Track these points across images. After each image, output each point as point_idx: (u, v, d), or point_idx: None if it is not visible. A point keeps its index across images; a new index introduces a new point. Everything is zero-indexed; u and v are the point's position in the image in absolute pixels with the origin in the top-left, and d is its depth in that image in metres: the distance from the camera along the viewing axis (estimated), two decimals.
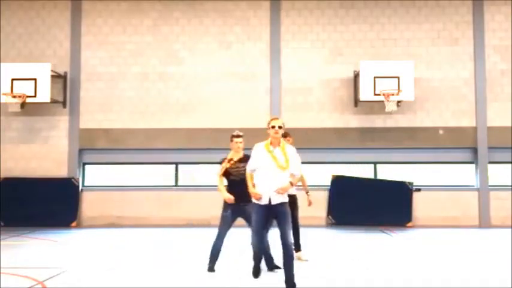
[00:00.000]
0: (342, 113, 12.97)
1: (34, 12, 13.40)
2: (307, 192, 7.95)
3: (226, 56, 13.20)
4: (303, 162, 12.74)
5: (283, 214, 5.78)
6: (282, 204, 5.81)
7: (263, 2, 13.26)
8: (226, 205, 6.82)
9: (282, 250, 5.66)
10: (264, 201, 5.80)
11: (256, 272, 6.45)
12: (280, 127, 5.84)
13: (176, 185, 13.21)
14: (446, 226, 12.40)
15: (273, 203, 5.77)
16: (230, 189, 6.76)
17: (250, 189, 5.95)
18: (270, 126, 5.87)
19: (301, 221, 12.12)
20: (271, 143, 5.89)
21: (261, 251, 6.33)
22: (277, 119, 5.99)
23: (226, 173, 6.85)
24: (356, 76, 12.63)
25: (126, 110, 13.15)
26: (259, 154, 5.88)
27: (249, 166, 6.07)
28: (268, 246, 6.68)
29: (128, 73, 13.23)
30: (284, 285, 5.70)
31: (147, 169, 13.43)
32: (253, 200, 5.93)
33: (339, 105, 12.99)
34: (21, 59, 13.08)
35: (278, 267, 6.59)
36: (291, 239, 5.83)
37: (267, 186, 5.78)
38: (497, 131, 12.75)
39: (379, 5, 13.17)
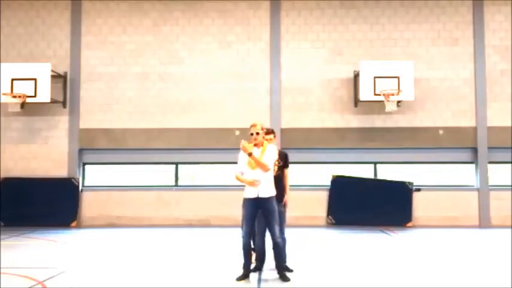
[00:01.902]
0: (342, 113, 12.97)
1: (34, 12, 13.40)
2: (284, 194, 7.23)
3: (226, 56, 13.20)
4: (302, 162, 12.90)
5: (270, 211, 6.33)
6: (269, 198, 6.36)
7: (263, 2, 13.26)
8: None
9: (271, 242, 6.37)
10: (253, 195, 6.33)
11: (243, 275, 6.37)
12: (257, 133, 6.43)
13: (176, 185, 13.21)
14: (446, 226, 12.39)
15: (260, 195, 6.32)
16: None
17: (247, 180, 6.36)
18: (249, 133, 6.47)
19: (301, 221, 12.28)
20: (255, 145, 6.46)
21: (248, 244, 6.41)
22: (255, 125, 6.50)
23: None
24: (356, 76, 12.63)
25: (126, 110, 13.14)
26: (244, 156, 6.40)
27: (237, 168, 6.53)
28: (263, 245, 6.79)
29: (128, 73, 13.22)
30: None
31: (147, 169, 13.42)
32: (244, 195, 6.45)
33: (339, 105, 12.99)
34: (21, 59, 13.07)
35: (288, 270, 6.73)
36: (278, 233, 6.36)
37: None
38: (497, 131, 12.74)
39: (379, 5, 13.17)
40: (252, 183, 6.30)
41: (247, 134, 6.52)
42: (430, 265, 7.42)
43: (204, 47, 13.24)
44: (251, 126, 6.51)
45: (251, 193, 6.35)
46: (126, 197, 12.94)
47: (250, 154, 6.27)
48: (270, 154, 6.41)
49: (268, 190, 6.37)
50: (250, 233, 6.44)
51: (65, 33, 13.34)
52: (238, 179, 6.50)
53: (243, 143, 6.34)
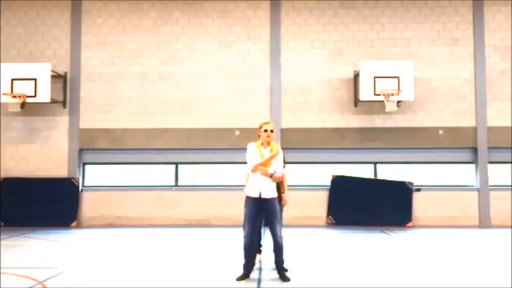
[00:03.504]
0: (342, 113, 12.97)
1: (34, 12, 13.40)
2: (282, 193, 7.32)
3: (226, 56, 13.20)
4: (302, 162, 12.93)
5: (272, 212, 6.36)
6: (271, 199, 6.39)
7: (263, 2, 13.26)
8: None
9: (272, 242, 6.39)
10: (255, 195, 6.34)
11: (244, 275, 6.38)
12: (272, 131, 6.51)
13: (176, 185, 13.21)
14: (446, 226, 12.39)
15: (263, 196, 6.33)
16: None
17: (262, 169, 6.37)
18: (263, 130, 6.48)
19: (301, 221, 12.29)
20: (261, 144, 6.48)
21: (249, 244, 6.41)
22: (268, 123, 6.58)
23: None
24: (356, 76, 12.63)
25: (126, 110, 13.14)
26: (252, 153, 6.42)
27: (248, 166, 6.49)
28: (258, 243, 6.86)
29: (128, 73, 13.23)
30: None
31: (147, 169, 13.42)
32: (246, 193, 6.48)
33: (339, 105, 12.99)
34: (21, 59, 13.07)
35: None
36: (279, 233, 6.35)
37: (258, 181, 6.37)
38: (497, 131, 12.74)
39: (379, 5, 13.17)
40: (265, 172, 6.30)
41: (248, 133, 6.53)
42: (430, 265, 7.42)
43: (204, 47, 13.24)
44: (264, 123, 6.54)
45: (253, 192, 6.37)
46: (126, 197, 12.94)
47: (271, 176, 6.30)
48: (279, 160, 6.43)
49: (271, 191, 6.39)
50: (253, 233, 6.42)
51: (65, 33, 13.34)
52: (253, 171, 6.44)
53: (262, 168, 6.28)
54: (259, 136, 6.61)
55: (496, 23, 13.00)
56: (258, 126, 6.73)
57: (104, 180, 13.39)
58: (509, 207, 12.54)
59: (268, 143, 6.48)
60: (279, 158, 6.46)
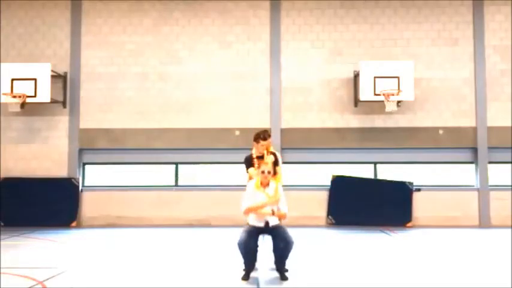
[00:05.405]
0: (342, 113, 12.97)
1: (34, 12, 13.40)
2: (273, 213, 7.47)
3: (226, 56, 13.20)
4: (302, 162, 12.94)
5: (284, 239, 6.16)
6: (277, 226, 6.30)
7: (263, 2, 13.25)
8: None
9: (272, 243, 6.28)
10: (260, 224, 6.24)
11: (245, 276, 6.37)
12: (269, 172, 6.25)
13: (176, 185, 13.21)
14: (446, 226, 12.39)
15: (271, 224, 6.23)
16: None
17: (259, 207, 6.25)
18: (260, 171, 6.29)
19: (301, 221, 12.28)
20: (261, 183, 6.30)
21: (247, 251, 6.29)
22: (266, 164, 6.33)
23: None
24: (356, 76, 12.63)
25: (126, 110, 13.14)
26: (253, 194, 6.29)
27: (244, 204, 6.34)
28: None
29: (128, 73, 13.22)
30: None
31: (147, 169, 13.42)
32: (248, 222, 6.35)
33: (339, 105, 12.99)
34: (21, 59, 13.06)
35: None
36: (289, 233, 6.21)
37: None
38: (497, 131, 12.74)
39: (379, 5, 13.17)
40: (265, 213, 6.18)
41: (248, 133, 6.50)
42: (430, 265, 7.42)
43: (204, 47, 13.24)
44: (263, 163, 6.35)
45: (259, 222, 6.22)
46: (126, 197, 12.94)
47: (273, 213, 6.19)
48: (283, 198, 6.35)
49: (276, 218, 6.31)
50: (250, 266, 6.31)
51: (65, 33, 13.33)
52: (249, 210, 6.26)
53: (259, 212, 6.18)
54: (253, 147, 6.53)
55: (496, 23, 13.00)
56: (258, 126, 6.70)
57: (104, 180, 13.39)
58: (509, 207, 12.54)
59: (268, 183, 6.29)
60: (283, 199, 6.34)
